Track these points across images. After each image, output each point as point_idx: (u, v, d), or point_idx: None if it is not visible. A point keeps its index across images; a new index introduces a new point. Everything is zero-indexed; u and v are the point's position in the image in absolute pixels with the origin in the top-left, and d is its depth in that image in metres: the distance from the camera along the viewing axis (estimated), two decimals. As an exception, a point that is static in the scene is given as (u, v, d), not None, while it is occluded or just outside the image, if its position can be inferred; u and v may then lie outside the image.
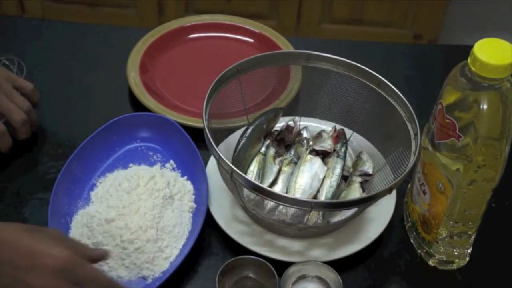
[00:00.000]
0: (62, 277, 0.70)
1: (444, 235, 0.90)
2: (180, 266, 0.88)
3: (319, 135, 0.99)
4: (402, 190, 0.99)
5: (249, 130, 0.98)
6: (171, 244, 0.91)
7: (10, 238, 0.71)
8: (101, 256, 0.78)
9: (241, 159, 0.96)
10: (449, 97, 0.80)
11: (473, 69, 0.76)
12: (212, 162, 0.99)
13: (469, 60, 0.77)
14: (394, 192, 0.94)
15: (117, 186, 0.96)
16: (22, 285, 0.69)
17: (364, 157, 0.97)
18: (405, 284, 0.92)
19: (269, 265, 0.86)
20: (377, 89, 0.96)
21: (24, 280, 0.69)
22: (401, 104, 0.93)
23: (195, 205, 0.96)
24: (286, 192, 0.92)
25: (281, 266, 0.86)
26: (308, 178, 0.92)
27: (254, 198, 0.90)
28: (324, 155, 0.96)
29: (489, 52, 0.76)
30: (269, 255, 0.90)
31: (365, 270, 0.92)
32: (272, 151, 0.97)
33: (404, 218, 0.98)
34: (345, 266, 0.91)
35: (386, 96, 0.95)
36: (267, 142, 0.98)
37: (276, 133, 1.00)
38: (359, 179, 0.94)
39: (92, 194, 0.97)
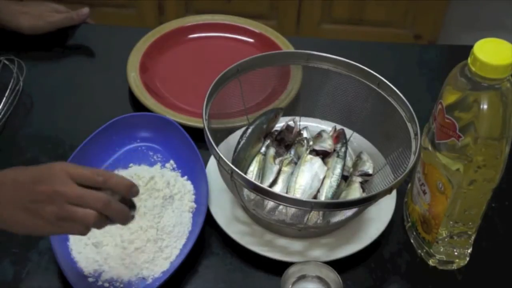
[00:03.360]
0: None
1: (444, 235, 0.90)
2: (180, 266, 0.88)
3: (319, 135, 0.99)
4: (402, 190, 0.99)
5: (249, 130, 0.98)
6: (171, 244, 0.91)
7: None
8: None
9: (241, 159, 0.96)
10: (449, 97, 0.80)
11: (473, 69, 0.76)
12: (212, 162, 0.99)
13: (469, 60, 0.77)
14: (394, 192, 0.94)
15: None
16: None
17: (364, 157, 0.97)
18: (405, 284, 0.92)
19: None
20: (377, 89, 0.96)
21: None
22: (401, 104, 0.93)
23: (195, 205, 0.96)
24: (286, 192, 0.92)
25: (281, 266, 0.86)
26: (308, 178, 0.92)
27: (254, 198, 0.90)
28: (324, 155, 0.96)
29: (489, 52, 0.76)
30: (269, 255, 0.90)
31: (365, 270, 0.92)
32: (272, 151, 0.97)
33: (404, 218, 0.98)
34: (345, 266, 0.91)
35: (386, 96, 0.95)
36: (267, 142, 0.98)
37: (276, 133, 1.00)
38: (359, 179, 0.94)
39: (92, 194, 0.97)
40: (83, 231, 0.74)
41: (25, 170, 0.75)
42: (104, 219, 0.74)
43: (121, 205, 0.76)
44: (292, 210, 0.87)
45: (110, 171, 0.79)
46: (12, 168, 0.76)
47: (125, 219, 0.77)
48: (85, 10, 1.28)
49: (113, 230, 0.91)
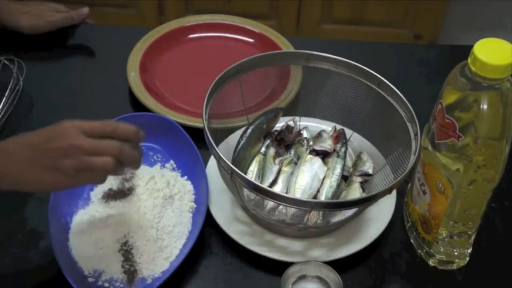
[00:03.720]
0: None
1: (444, 235, 0.90)
2: (180, 266, 0.88)
3: (319, 135, 0.99)
4: (402, 190, 0.99)
5: (249, 130, 0.98)
6: (171, 244, 0.91)
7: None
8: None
9: (241, 159, 0.96)
10: (449, 97, 0.80)
11: (473, 69, 0.76)
12: (212, 162, 0.99)
13: (469, 60, 0.77)
14: (394, 192, 0.94)
15: (118, 186, 0.96)
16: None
17: (364, 157, 0.97)
18: (405, 284, 0.92)
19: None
20: (377, 89, 0.96)
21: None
22: (401, 104, 0.93)
23: (195, 205, 0.96)
24: (286, 192, 0.92)
25: (281, 266, 0.86)
26: (308, 178, 0.92)
27: (254, 198, 0.90)
28: (324, 155, 0.96)
29: (489, 52, 0.76)
30: (269, 255, 0.90)
31: (365, 270, 0.92)
32: (272, 151, 0.97)
33: (404, 218, 0.98)
34: (345, 266, 0.91)
35: (386, 96, 0.95)
36: (267, 142, 0.98)
37: (276, 133, 1.00)
38: (359, 179, 0.94)
39: (92, 194, 0.97)
40: (102, 179, 0.79)
41: (35, 132, 0.78)
42: (119, 165, 0.78)
43: (132, 150, 0.79)
44: (292, 210, 0.87)
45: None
46: (21, 134, 0.79)
47: (137, 163, 0.81)
48: (85, 9, 1.28)
49: (113, 230, 0.91)
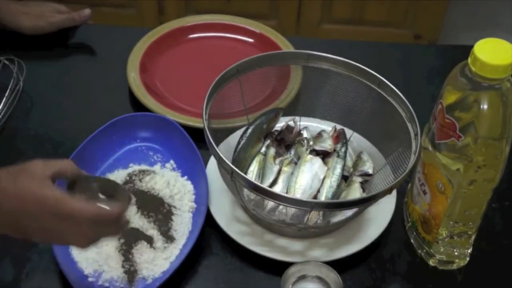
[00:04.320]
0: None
1: (444, 235, 0.90)
2: (180, 266, 0.88)
3: (319, 135, 0.99)
4: (402, 190, 0.99)
5: (249, 130, 0.98)
6: (171, 244, 0.91)
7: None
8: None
9: (241, 159, 0.96)
10: (449, 97, 0.80)
11: (473, 69, 0.76)
12: (212, 162, 0.99)
13: (469, 60, 0.77)
14: (394, 192, 0.94)
15: (117, 186, 0.96)
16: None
17: (364, 157, 0.97)
18: (405, 284, 0.92)
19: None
20: (377, 89, 0.96)
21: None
22: (401, 104, 0.93)
23: (195, 205, 0.96)
24: (286, 192, 0.92)
25: (281, 266, 0.86)
26: (308, 178, 0.92)
27: (254, 198, 0.90)
28: (324, 155, 0.96)
29: (489, 52, 0.76)
30: (269, 255, 0.90)
31: (366, 270, 0.92)
32: (272, 151, 0.97)
33: (404, 218, 0.98)
34: (345, 266, 0.91)
35: (386, 96, 0.95)
36: (267, 142, 0.98)
37: (276, 133, 1.00)
38: (359, 179, 0.94)
39: (92, 194, 0.97)
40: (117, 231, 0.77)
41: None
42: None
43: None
44: (292, 210, 0.87)
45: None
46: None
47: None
48: (87, 11, 1.27)
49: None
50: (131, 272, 0.88)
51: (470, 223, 0.89)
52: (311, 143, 0.98)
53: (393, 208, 0.95)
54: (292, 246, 0.92)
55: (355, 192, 0.93)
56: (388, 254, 0.95)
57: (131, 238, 0.90)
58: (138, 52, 1.20)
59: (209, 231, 0.94)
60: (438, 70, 1.23)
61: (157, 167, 1.01)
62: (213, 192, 0.96)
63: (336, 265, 0.87)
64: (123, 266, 0.88)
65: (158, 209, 0.94)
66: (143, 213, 0.93)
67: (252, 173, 0.95)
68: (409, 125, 0.91)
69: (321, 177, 0.93)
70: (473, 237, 0.92)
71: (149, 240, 0.90)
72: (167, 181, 0.97)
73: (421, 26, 2.09)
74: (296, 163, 0.96)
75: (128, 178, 0.97)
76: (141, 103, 1.11)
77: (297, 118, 1.02)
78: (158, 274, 0.88)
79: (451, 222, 0.88)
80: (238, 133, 0.99)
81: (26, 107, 1.13)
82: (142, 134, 1.05)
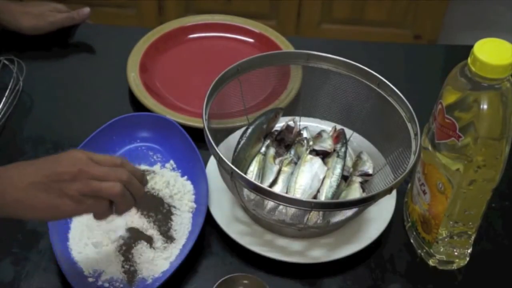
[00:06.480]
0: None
1: (444, 235, 0.90)
2: (180, 266, 0.88)
3: (319, 135, 0.99)
4: (402, 190, 0.99)
5: (249, 130, 0.98)
6: (171, 244, 0.91)
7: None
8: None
9: (241, 159, 0.96)
10: (449, 97, 0.80)
11: (473, 69, 0.76)
12: (212, 162, 0.99)
13: (469, 60, 0.77)
14: (394, 192, 0.94)
15: (117, 186, 0.96)
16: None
17: (364, 157, 0.97)
18: (405, 284, 0.92)
19: (259, 279, 0.84)
20: (377, 89, 0.96)
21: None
22: (401, 104, 0.93)
23: (195, 205, 0.96)
24: (286, 192, 0.92)
25: (281, 266, 0.86)
26: (308, 178, 0.92)
27: (254, 198, 0.90)
28: (324, 155, 0.96)
29: (489, 52, 0.76)
30: (269, 255, 0.90)
31: (365, 270, 0.92)
32: (272, 151, 0.97)
33: (404, 218, 0.98)
34: (345, 266, 0.91)
35: (386, 96, 0.95)
36: (267, 142, 0.98)
37: (276, 133, 1.00)
38: (359, 179, 0.94)
39: (92, 194, 0.97)
40: (106, 210, 0.76)
41: (41, 158, 0.76)
42: (126, 193, 0.76)
43: (139, 183, 0.78)
44: (292, 210, 0.87)
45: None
46: (23, 161, 0.77)
47: (142, 196, 0.79)
48: (86, 9, 1.28)
49: (113, 230, 0.91)
50: (131, 272, 0.88)
51: (470, 223, 0.89)
52: (311, 143, 0.98)
53: (393, 208, 0.95)
54: (292, 246, 0.92)
55: (355, 192, 0.93)
56: (388, 254, 0.95)
57: (131, 238, 0.90)
58: (138, 52, 1.20)
59: (209, 231, 0.94)
60: (438, 70, 1.23)
61: (157, 167, 1.01)
62: (213, 192, 0.96)
63: (336, 265, 0.87)
64: (123, 266, 0.88)
65: (158, 209, 0.94)
66: (143, 213, 0.93)
67: (252, 173, 0.95)
68: (409, 125, 0.91)
69: (321, 177, 0.93)
70: (473, 237, 0.92)
71: (149, 240, 0.90)
72: (167, 181, 0.97)
73: (421, 26, 2.09)
74: (296, 163, 0.96)
75: None
76: (141, 103, 1.11)
77: (297, 118, 1.02)
78: (158, 274, 0.88)
79: (451, 222, 0.88)
80: (238, 133, 0.99)
81: (26, 107, 1.13)
82: (142, 134, 1.05)
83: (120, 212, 0.77)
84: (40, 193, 0.72)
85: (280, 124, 1.01)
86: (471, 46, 0.77)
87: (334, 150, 0.97)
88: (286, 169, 0.95)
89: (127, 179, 0.76)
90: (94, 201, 0.74)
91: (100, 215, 0.77)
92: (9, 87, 1.12)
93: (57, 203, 0.73)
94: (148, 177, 0.97)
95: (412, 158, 0.87)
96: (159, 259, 0.89)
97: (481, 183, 0.82)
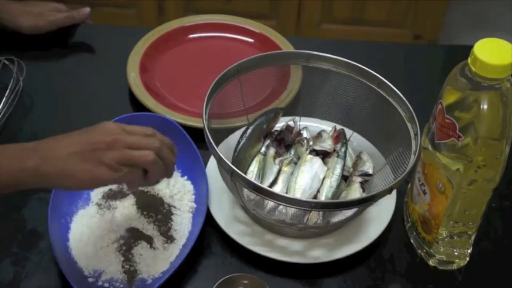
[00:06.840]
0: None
1: (444, 235, 0.90)
2: (180, 266, 0.88)
3: (319, 135, 0.99)
4: (402, 190, 0.99)
5: (249, 130, 0.98)
6: (171, 244, 0.91)
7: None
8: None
9: (241, 159, 0.96)
10: (449, 97, 0.80)
11: (473, 69, 0.76)
12: (212, 162, 0.99)
13: (469, 60, 0.77)
14: (394, 192, 0.94)
15: (117, 186, 0.96)
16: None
17: (364, 157, 0.97)
18: (405, 284, 0.92)
19: (259, 279, 0.85)
20: (377, 89, 0.96)
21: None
22: (401, 104, 0.93)
23: (195, 205, 0.96)
24: (286, 192, 0.92)
25: (281, 266, 0.86)
26: (308, 178, 0.92)
27: (254, 198, 0.90)
28: (324, 155, 0.96)
29: (489, 52, 0.76)
30: (269, 255, 0.90)
31: (365, 270, 0.92)
32: (272, 151, 0.97)
33: (404, 218, 0.98)
34: (345, 266, 0.91)
35: (386, 96, 0.95)
36: (267, 142, 0.98)
37: (276, 133, 1.00)
38: (359, 179, 0.94)
39: (92, 194, 0.97)
40: (140, 179, 0.78)
41: (76, 131, 0.79)
42: (159, 161, 0.78)
43: (170, 153, 0.81)
44: (292, 210, 0.87)
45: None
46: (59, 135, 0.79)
47: (173, 165, 0.82)
48: (86, 9, 1.28)
49: (113, 230, 0.91)
50: (131, 272, 0.88)
51: (470, 223, 0.89)
52: (311, 143, 0.98)
53: (393, 208, 0.95)
54: (292, 246, 0.92)
55: (355, 192, 0.93)
56: (388, 254, 0.95)
57: (131, 238, 0.90)
58: (138, 52, 1.20)
59: (209, 231, 0.94)
60: (438, 70, 1.23)
61: (157, 167, 1.01)
62: (213, 192, 0.96)
63: (336, 265, 0.87)
64: (123, 266, 0.88)
65: (158, 209, 0.94)
66: (143, 213, 0.93)
67: (252, 173, 0.95)
68: (409, 125, 0.91)
69: (321, 177, 0.93)
70: (473, 237, 0.92)
71: (149, 240, 0.90)
72: (167, 181, 0.97)
73: (421, 26, 2.09)
74: (296, 163, 0.96)
75: None
76: (141, 103, 1.11)
77: (297, 118, 1.02)
78: (158, 274, 0.88)
79: (451, 222, 0.88)
80: (238, 133, 0.99)
81: (26, 107, 1.13)
82: (142, 134, 1.05)
83: (152, 181, 0.79)
84: (78, 162, 0.74)
85: (280, 124, 1.01)
86: (471, 46, 0.77)
87: (334, 150, 0.97)
88: (286, 169, 0.95)
89: (159, 148, 0.78)
90: (129, 169, 0.76)
91: (134, 184, 0.79)
92: (9, 87, 1.12)
93: (95, 172, 0.75)
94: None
95: (412, 158, 0.87)
96: (159, 259, 0.89)
97: (481, 183, 0.82)
